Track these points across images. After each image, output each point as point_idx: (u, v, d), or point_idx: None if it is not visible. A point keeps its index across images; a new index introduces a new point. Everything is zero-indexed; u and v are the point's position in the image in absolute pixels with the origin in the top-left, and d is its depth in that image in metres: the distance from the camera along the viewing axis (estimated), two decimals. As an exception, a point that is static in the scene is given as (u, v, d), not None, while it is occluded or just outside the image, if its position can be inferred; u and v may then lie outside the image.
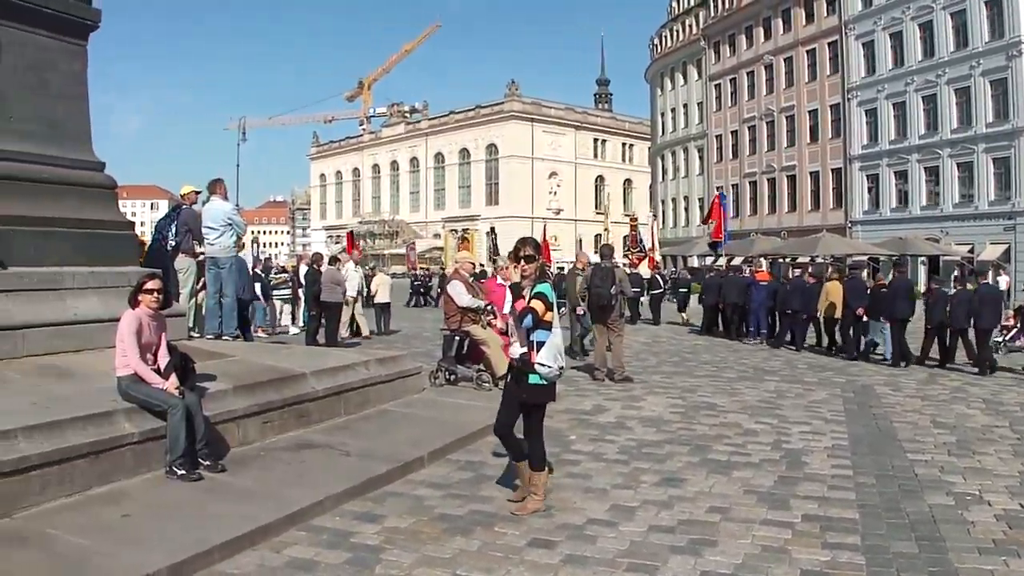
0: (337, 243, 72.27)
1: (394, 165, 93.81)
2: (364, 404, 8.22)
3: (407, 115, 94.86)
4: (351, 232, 36.80)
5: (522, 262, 5.46)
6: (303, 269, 18.08)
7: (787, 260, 33.80)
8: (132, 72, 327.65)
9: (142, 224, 77.78)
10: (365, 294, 18.80)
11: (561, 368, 5.33)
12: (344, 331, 16.23)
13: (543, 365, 5.20)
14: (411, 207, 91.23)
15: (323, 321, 14.78)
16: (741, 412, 9.33)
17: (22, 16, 7.68)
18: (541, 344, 5.22)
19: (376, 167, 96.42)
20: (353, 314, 17.02)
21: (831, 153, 47.96)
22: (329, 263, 15.74)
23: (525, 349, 5.30)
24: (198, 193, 11.15)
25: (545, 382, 5.29)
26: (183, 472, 5.65)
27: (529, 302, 5.27)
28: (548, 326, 5.24)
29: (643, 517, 5.39)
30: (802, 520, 5.39)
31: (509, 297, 6.17)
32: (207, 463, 5.84)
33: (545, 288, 5.33)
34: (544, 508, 5.39)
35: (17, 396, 5.85)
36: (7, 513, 4.79)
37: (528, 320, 5.20)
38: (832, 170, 48.15)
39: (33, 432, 5.15)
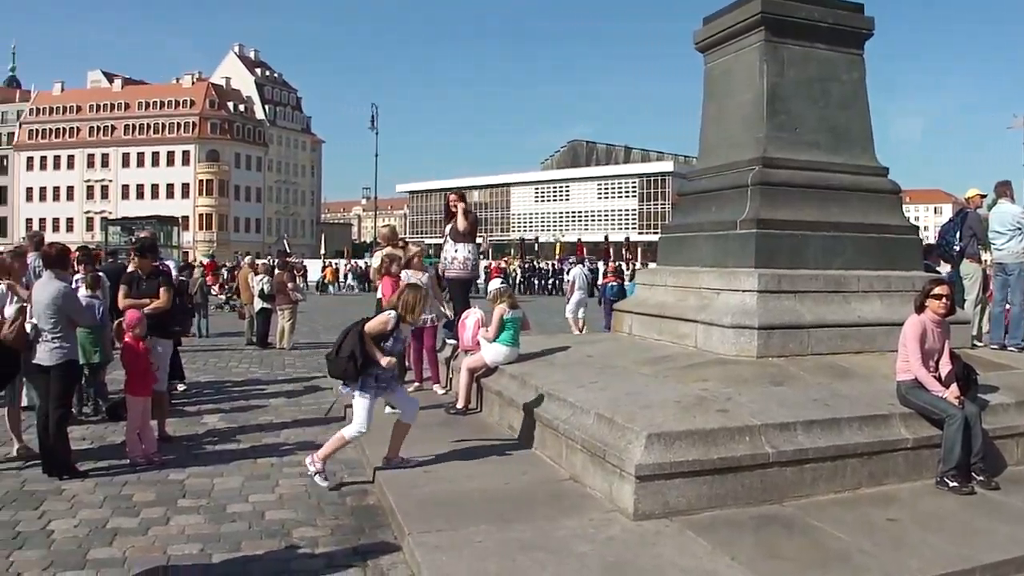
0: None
1: None
2: None
3: None
4: None
5: None
6: None
7: None
8: (910, 76, 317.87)
9: (925, 228, 76.15)
10: None
11: None
12: None
13: None
14: None
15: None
16: None
17: (802, 33, 8.34)
18: None
19: None
20: None
21: None
22: None
23: None
24: (983, 197, 10.73)
25: None
26: (955, 484, 5.50)
27: None
28: None
29: None
30: None
31: None
32: (980, 478, 5.58)
33: None
34: None
35: (800, 392, 6.34)
36: (779, 500, 5.28)
37: None
38: None
39: (812, 427, 5.57)
